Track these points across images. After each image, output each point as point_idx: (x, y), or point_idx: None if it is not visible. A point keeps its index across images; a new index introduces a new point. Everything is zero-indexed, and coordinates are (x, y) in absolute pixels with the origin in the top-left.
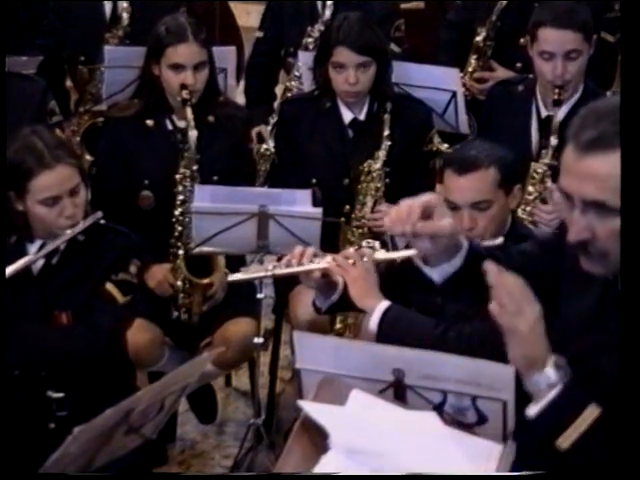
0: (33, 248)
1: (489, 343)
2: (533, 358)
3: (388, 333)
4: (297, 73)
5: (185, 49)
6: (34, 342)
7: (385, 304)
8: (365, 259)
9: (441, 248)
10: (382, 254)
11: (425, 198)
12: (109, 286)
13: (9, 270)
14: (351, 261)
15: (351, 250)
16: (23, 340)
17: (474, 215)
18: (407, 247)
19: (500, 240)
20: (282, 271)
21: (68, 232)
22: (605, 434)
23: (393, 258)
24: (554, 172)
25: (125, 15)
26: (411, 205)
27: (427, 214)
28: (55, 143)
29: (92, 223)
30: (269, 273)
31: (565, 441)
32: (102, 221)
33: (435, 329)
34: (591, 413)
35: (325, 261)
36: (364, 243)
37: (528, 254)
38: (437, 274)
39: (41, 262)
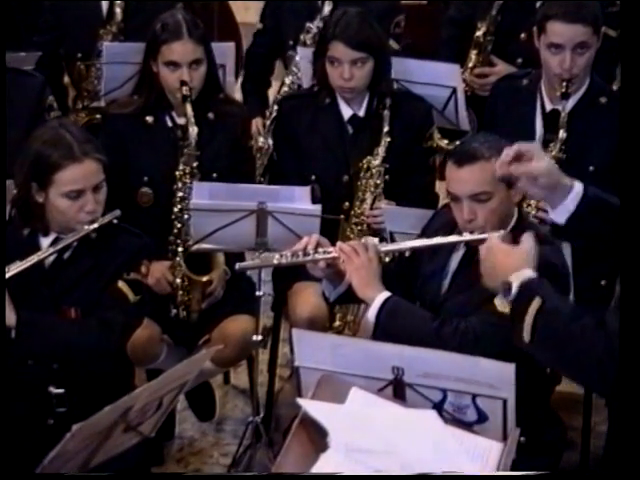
0: (46, 242)
1: (483, 341)
2: None
3: (385, 324)
4: (294, 69)
5: (179, 47)
6: (49, 332)
7: (384, 295)
8: (369, 250)
9: (545, 188)
10: (386, 246)
11: (523, 145)
12: (121, 284)
13: (21, 264)
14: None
15: (355, 241)
16: (38, 329)
17: (473, 207)
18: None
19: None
20: (289, 261)
21: (85, 228)
22: None
23: (397, 250)
24: (561, 165)
25: (118, 11)
26: (508, 150)
27: (527, 158)
28: (83, 137)
29: (109, 220)
30: (275, 262)
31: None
32: (115, 221)
33: (431, 323)
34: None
35: (330, 250)
36: (363, 240)
37: None
38: (559, 216)
39: (53, 256)
